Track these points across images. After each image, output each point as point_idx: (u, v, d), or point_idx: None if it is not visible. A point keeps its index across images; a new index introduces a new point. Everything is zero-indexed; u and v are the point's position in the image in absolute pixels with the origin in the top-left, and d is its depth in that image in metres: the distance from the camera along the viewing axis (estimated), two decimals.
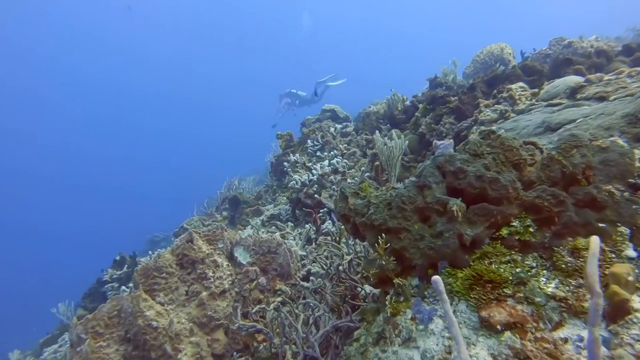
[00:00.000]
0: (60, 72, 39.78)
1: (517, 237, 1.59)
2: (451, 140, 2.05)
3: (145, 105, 44.91)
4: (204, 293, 3.13)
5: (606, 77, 2.87)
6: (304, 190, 4.51)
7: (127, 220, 26.96)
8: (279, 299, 3.27)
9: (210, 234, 3.49)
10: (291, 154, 5.19)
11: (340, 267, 3.10)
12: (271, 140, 8.76)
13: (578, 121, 2.03)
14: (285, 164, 5.20)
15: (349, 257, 3.22)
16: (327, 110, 7.34)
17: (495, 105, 3.48)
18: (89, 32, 38.57)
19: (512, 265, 1.54)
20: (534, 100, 3.20)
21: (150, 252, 5.99)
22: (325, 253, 3.62)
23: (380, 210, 1.85)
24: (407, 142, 4.20)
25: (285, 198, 6.26)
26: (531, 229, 1.58)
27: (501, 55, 7.25)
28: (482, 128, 3.53)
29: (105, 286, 5.46)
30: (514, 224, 1.61)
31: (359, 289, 2.85)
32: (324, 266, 3.20)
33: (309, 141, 5.31)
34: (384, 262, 1.80)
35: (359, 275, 3.03)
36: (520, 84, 3.61)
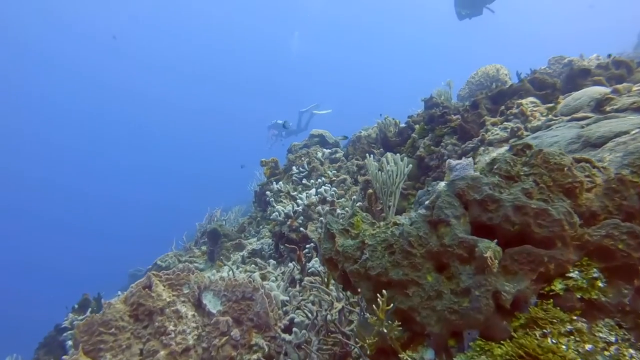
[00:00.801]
0: (45, 105, 39.36)
1: (578, 295, 1.10)
2: (470, 159, 1.57)
3: (136, 136, 44.34)
4: (162, 352, 2.55)
5: (635, 88, 2.48)
6: (288, 223, 4.00)
7: (107, 255, 25.98)
8: (255, 356, 2.70)
9: (173, 277, 2.94)
10: (274, 183, 4.70)
11: (329, 317, 2.57)
12: (256, 168, 8.29)
13: (634, 132, 1.59)
14: (268, 193, 4.70)
15: (339, 305, 2.69)
16: (315, 135, 6.91)
17: (505, 123, 3.06)
18: (74, 63, 38.36)
19: (578, 339, 1.04)
20: (551, 115, 2.78)
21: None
22: (311, 298, 3.08)
23: (378, 254, 1.36)
24: (410, 165, 3.74)
25: (269, 231, 5.74)
26: (599, 283, 1.09)
27: (497, 76, 6.95)
28: (516, 142, 3.09)
29: (65, 334, 4.79)
30: (573, 275, 1.12)
31: (352, 347, 2.32)
32: (310, 315, 2.66)
33: (294, 168, 4.84)
34: (385, 330, 1.28)
35: (352, 327, 2.50)
36: (531, 98, 3.21)
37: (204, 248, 6.20)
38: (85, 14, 36.19)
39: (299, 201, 4.10)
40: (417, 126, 4.37)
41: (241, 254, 4.95)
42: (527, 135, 2.69)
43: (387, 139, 4.44)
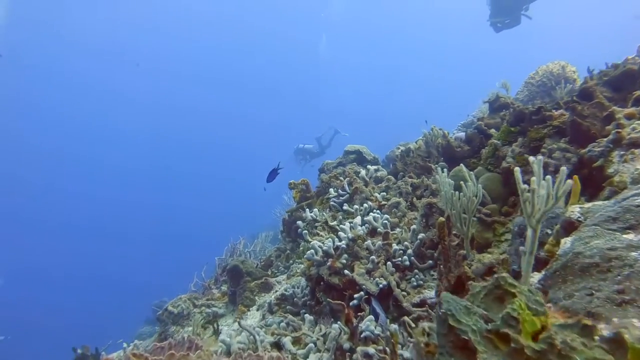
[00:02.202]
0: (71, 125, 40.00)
1: None
2: None
3: (166, 150, 44.19)
4: None
5: None
6: (328, 264, 3.00)
7: (129, 282, 25.48)
8: None
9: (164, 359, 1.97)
10: (307, 209, 3.72)
11: None
12: (283, 190, 7.33)
13: None
14: (300, 223, 3.72)
15: None
16: (350, 151, 5.94)
17: None
18: (100, 88, 39.05)
19: None
20: None
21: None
22: None
23: None
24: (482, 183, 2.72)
25: (302, 266, 4.76)
26: None
27: (563, 74, 5.86)
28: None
29: None
30: None
31: None
32: None
33: (331, 190, 3.85)
34: None
35: None
36: None
37: (224, 288, 5.25)
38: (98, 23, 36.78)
39: (342, 234, 3.10)
40: (492, 130, 3.34)
41: (268, 300, 3.96)
42: None
43: (450, 149, 3.42)
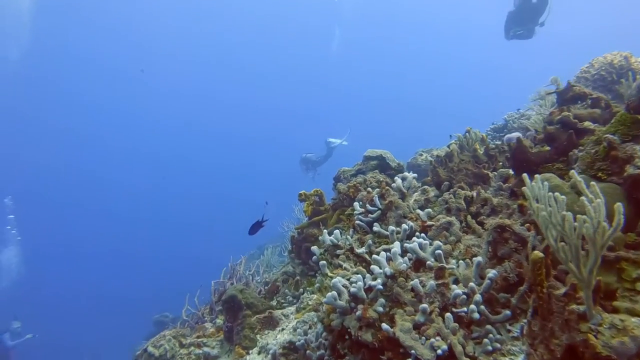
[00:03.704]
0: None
1: None
2: None
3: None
4: None
5: None
6: (358, 314, 2.08)
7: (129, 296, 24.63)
8: None
9: None
10: (324, 231, 2.80)
11: None
12: (293, 200, 6.38)
13: None
14: (315, 249, 2.80)
15: None
16: (371, 157, 5.04)
17: None
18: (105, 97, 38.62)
19: None
20: None
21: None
22: None
23: None
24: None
25: (315, 297, 3.86)
26: None
27: (627, 66, 4.91)
28: None
29: None
30: None
31: None
32: None
33: (356, 205, 2.93)
34: None
35: None
36: None
37: (219, 321, 4.33)
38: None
39: (375, 268, 2.19)
40: (587, 124, 2.42)
41: (273, 347, 3.05)
42: None
43: (522, 151, 2.49)
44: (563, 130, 2.43)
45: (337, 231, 2.68)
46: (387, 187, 2.88)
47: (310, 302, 3.85)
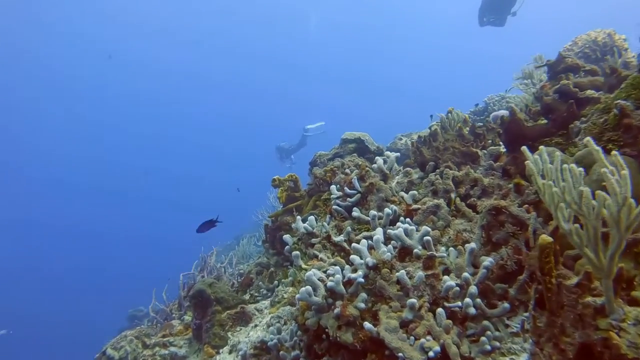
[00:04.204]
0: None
1: None
2: None
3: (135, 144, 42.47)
4: None
5: None
6: (337, 311, 1.80)
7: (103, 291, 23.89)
8: None
9: None
10: (298, 218, 2.50)
11: None
12: (267, 187, 6.02)
13: None
14: (288, 238, 2.50)
15: None
16: (349, 140, 4.76)
17: None
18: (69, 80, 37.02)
19: None
20: None
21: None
22: None
23: None
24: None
25: (290, 290, 3.60)
26: None
27: (610, 43, 4.75)
28: None
29: None
30: None
31: None
32: None
33: (333, 188, 2.64)
34: None
35: None
36: None
37: (188, 317, 4.01)
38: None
39: (355, 257, 1.91)
40: (589, 92, 2.18)
41: (244, 347, 2.75)
42: None
43: (517, 125, 2.24)
44: (562, 101, 2.19)
45: (311, 217, 2.38)
46: (367, 168, 2.60)
47: (285, 295, 3.57)
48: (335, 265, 2.02)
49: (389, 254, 1.92)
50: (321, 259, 2.12)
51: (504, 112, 3.52)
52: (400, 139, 7.22)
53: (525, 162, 1.56)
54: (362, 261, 1.90)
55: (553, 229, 1.63)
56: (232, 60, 42.37)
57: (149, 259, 27.24)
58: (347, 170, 2.65)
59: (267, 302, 3.79)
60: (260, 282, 4.06)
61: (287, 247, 2.46)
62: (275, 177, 4.24)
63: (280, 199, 4.22)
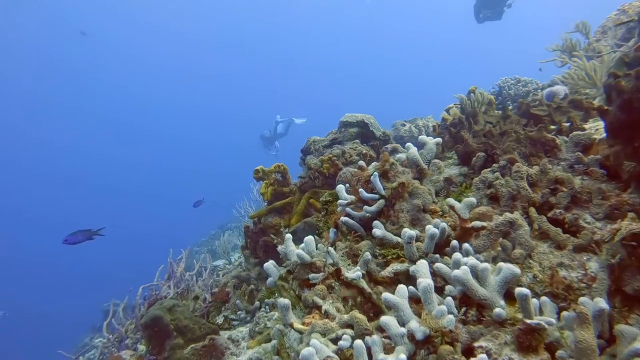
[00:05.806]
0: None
1: None
2: None
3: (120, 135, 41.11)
4: None
5: None
6: None
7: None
8: None
9: None
10: (287, 236, 1.60)
11: None
12: (249, 179, 5.11)
13: None
14: (272, 269, 1.62)
15: None
16: (350, 123, 3.90)
17: None
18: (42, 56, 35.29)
19: None
20: None
21: None
22: None
23: None
24: None
25: (276, 315, 2.79)
26: None
27: None
28: None
29: None
30: None
31: None
32: None
33: (341, 189, 1.76)
34: None
35: None
36: None
37: (142, 348, 3.13)
38: None
39: (392, 323, 1.07)
40: None
41: None
42: None
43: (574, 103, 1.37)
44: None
45: (309, 239, 1.48)
46: (392, 161, 1.73)
47: (268, 324, 2.73)
48: (351, 326, 1.17)
49: (451, 317, 1.07)
50: (326, 314, 1.26)
51: (561, 88, 2.68)
52: (404, 125, 6.37)
53: None
54: (402, 331, 1.05)
55: None
56: (225, 54, 41.54)
57: (134, 253, 26.34)
58: (361, 163, 1.78)
59: (245, 330, 2.94)
60: (238, 301, 3.20)
61: (269, 279, 1.58)
62: (258, 168, 3.35)
63: (264, 196, 3.34)
